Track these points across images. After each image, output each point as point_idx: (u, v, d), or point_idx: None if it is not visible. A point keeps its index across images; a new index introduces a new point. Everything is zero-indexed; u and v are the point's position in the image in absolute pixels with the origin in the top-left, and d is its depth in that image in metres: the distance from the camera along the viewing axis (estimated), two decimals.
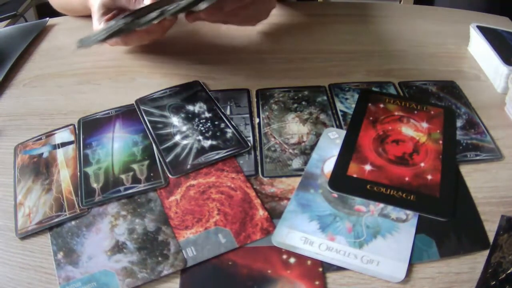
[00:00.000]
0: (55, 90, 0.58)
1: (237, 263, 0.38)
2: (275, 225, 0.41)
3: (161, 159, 0.47)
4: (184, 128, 0.51)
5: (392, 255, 0.38)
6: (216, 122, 0.51)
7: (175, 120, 0.52)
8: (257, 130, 0.51)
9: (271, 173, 0.46)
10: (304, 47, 0.66)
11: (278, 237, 0.40)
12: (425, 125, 0.50)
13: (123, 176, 0.46)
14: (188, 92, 0.56)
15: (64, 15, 0.76)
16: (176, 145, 0.49)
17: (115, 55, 0.64)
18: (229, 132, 0.50)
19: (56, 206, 0.43)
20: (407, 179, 0.44)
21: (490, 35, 0.61)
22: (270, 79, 0.59)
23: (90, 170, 0.47)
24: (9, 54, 0.64)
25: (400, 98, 0.55)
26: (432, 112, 0.52)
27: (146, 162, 0.47)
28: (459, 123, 0.51)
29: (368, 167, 0.45)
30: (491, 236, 0.39)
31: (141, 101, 0.55)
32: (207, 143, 0.49)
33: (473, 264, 0.38)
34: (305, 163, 0.47)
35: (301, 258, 0.38)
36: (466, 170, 0.46)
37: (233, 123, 0.51)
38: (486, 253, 0.38)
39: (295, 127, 0.51)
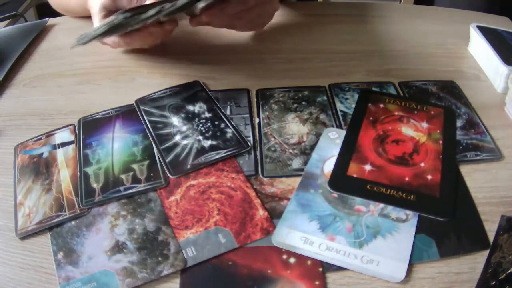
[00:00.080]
0: (55, 90, 0.58)
1: (237, 263, 0.38)
2: (275, 225, 0.41)
3: (161, 159, 0.47)
4: (184, 128, 0.51)
5: (392, 255, 0.38)
6: (216, 122, 0.51)
7: (175, 120, 0.52)
8: (257, 130, 0.51)
9: (271, 173, 0.46)
10: (304, 47, 0.66)
11: (278, 237, 0.40)
12: (425, 125, 0.50)
13: (123, 176, 0.46)
14: (188, 92, 0.56)
15: (64, 15, 0.76)
16: (176, 145, 0.49)
17: (115, 55, 0.64)
18: (229, 132, 0.50)
19: (56, 206, 0.43)
20: (407, 179, 0.44)
21: (490, 35, 0.61)
22: (270, 79, 0.59)
23: (90, 170, 0.47)
24: (9, 54, 0.64)
25: (400, 98, 0.55)
26: (432, 112, 0.52)
27: (146, 162, 0.47)
28: (459, 123, 0.51)
29: (368, 167, 0.45)
30: (491, 236, 0.39)
31: (141, 101, 0.55)
32: (207, 143, 0.49)
33: (473, 264, 0.38)
34: (305, 163, 0.47)
35: (301, 258, 0.38)
36: (466, 170, 0.46)
37: (233, 123, 0.51)
38: (486, 253, 0.38)
39: (295, 127, 0.51)
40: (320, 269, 0.38)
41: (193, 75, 0.59)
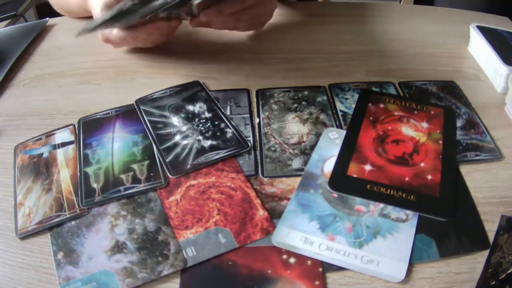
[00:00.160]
0: (55, 90, 0.58)
1: (237, 263, 0.38)
2: (275, 225, 0.41)
3: (161, 159, 0.47)
4: (184, 128, 0.51)
5: (392, 255, 0.38)
6: (216, 122, 0.51)
7: (175, 120, 0.52)
8: (257, 130, 0.51)
9: (271, 173, 0.46)
10: (304, 47, 0.66)
11: (278, 237, 0.40)
12: (425, 125, 0.50)
13: (123, 176, 0.46)
14: (188, 92, 0.56)
15: (64, 15, 0.76)
16: (176, 145, 0.49)
17: (115, 55, 0.64)
18: (229, 132, 0.50)
19: (56, 206, 0.43)
20: (407, 179, 0.44)
21: (490, 35, 0.61)
22: (270, 79, 0.59)
23: (90, 170, 0.47)
24: (9, 54, 0.64)
25: (400, 98, 0.55)
26: (432, 112, 0.52)
27: (146, 162, 0.47)
28: (459, 123, 0.51)
29: (368, 167, 0.45)
30: (491, 236, 0.39)
31: (141, 101, 0.55)
32: (207, 143, 0.49)
33: (473, 264, 0.38)
34: (305, 163, 0.47)
35: (301, 258, 0.38)
36: (466, 170, 0.46)
37: (233, 123, 0.51)
38: (486, 253, 0.38)
39: (295, 127, 0.51)
40: (320, 269, 0.38)
41: (193, 75, 0.59)
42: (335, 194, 0.43)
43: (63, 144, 0.50)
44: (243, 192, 0.44)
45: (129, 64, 0.62)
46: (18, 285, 0.38)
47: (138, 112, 0.53)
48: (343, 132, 0.50)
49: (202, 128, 0.51)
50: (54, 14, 0.76)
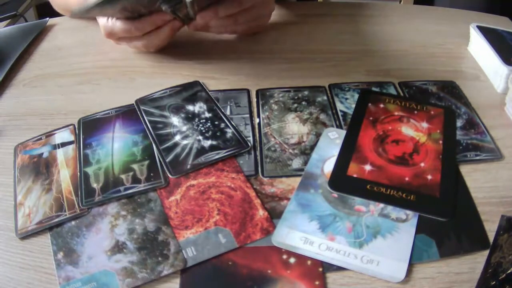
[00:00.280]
0: (55, 90, 0.58)
1: (237, 263, 0.38)
2: (275, 225, 0.41)
3: (161, 159, 0.47)
4: (184, 128, 0.51)
5: (392, 255, 0.38)
6: (216, 122, 0.51)
7: (175, 120, 0.52)
8: (257, 130, 0.51)
9: (271, 173, 0.46)
10: (304, 47, 0.66)
11: (278, 237, 0.40)
12: (425, 125, 0.50)
13: (123, 176, 0.46)
14: (188, 92, 0.56)
15: (64, 15, 0.76)
16: (176, 145, 0.49)
17: (115, 55, 0.64)
18: (229, 132, 0.50)
19: (56, 206, 0.43)
20: (407, 179, 0.44)
21: (490, 35, 0.61)
22: (270, 79, 0.59)
23: (90, 170, 0.47)
24: (9, 54, 0.64)
25: (400, 98, 0.55)
26: (432, 112, 0.52)
27: (146, 162, 0.47)
28: (459, 123, 0.51)
29: (368, 167, 0.45)
30: (491, 236, 0.39)
31: (141, 101, 0.55)
32: (207, 143, 0.49)
33: (473, 264, 0.38)
34: (305, 163, 0.47)
35: (301, 258, 0.38)
36: (466, 170, 0.46)
37: (233, 123, 0.51)
38: (486, 253, 0.38)
39: (295, 127, 0.51)
40: (320, 269, 0.38)
41: (193, 75, 0.59)
42: (335, 194, 0.43)
43: (63, 144, 0.50)
44: (243, 192, 0.44)
45: (129, 64, 0.62)
46: (18, 285, 0.38)
47: (138, 112, 0.53)
48: (343, 132, 0.50)
49: (202, 128, 0.51)
50: (54, 14, 0.76)
